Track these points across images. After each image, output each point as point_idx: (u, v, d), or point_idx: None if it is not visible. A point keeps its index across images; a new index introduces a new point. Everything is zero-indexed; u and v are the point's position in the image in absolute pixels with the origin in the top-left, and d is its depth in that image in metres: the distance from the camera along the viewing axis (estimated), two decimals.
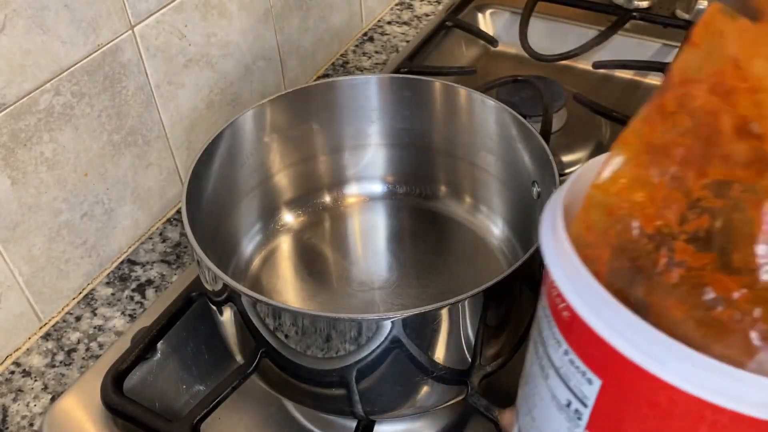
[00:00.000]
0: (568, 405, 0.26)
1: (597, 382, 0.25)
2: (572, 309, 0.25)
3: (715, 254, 0.24)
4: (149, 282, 0.59)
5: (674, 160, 0.25)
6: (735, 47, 0.24)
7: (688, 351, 0.22)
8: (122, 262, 0.61)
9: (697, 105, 0.25)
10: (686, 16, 0.82)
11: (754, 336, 0.23)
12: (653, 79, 0.78)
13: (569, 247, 0.26)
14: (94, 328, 0.56)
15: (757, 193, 0.24)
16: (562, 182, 0.46)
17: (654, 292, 0.25)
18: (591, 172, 0.28)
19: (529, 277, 0.43)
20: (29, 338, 0.55)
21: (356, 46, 0.84)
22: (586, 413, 0.26)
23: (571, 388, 0.26)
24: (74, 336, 0.55)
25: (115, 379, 0.48)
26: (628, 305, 0.24)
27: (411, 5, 0.90)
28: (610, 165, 0.27)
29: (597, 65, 0.76)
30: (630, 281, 0.25)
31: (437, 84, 0.56)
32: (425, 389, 0.44)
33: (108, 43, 0.54)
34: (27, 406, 0.51)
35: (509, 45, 0.83)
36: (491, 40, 0.81)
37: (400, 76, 0.58)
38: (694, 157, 0.25)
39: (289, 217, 0.60)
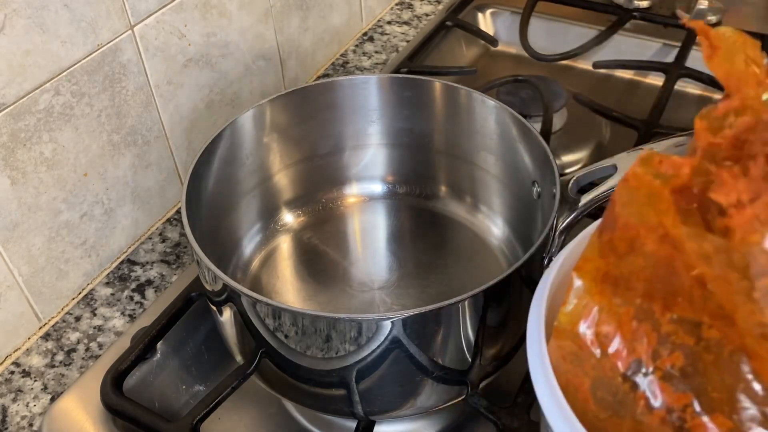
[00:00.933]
0: None
1: None
2: None
3: (692, 395, 0.23)
4: (149, 282, 0.59)
5: (636, 292, 0.24)
6: (655, 216, 0.23)
7: None
8: (122, 262, 0.61)
9: (649, 250, 0.24)
10: (686, 16, 0.82)
11: None
12: (653, 79, 0.77)
13: (557, 390, 0.25)
14: (94, 328, 0.56)
15: (732, 342, 0.22)
16: (562, 182, 0.46)
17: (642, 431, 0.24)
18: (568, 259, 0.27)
19: (528, 277, 0.43)
20: (29, 338, 0.55)
21: (356, 46, 0.84)
22: None
23: None
24: (74, 336, 0.55)
25: (115, 379, 0.48)
26: None
27: (411, 5, 0.90)
28: (573, 290, 0.26)
29: (597, 65, 0.76)
30: (616, 413, 0.24)
31: (437, 84, 0.56)
32: (425, 389, 0.44)
33: (108, 43, 0.54)
34: (27, 406, 0.51)
35: (509, 45, 0.83)
36: (491, 40, 0.81)
37: (400, 76, 0.58)
38: (656, 291, 0.24)
39: (289, 217, 0.60)
